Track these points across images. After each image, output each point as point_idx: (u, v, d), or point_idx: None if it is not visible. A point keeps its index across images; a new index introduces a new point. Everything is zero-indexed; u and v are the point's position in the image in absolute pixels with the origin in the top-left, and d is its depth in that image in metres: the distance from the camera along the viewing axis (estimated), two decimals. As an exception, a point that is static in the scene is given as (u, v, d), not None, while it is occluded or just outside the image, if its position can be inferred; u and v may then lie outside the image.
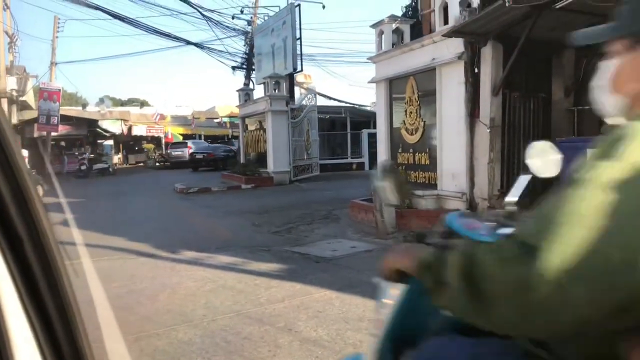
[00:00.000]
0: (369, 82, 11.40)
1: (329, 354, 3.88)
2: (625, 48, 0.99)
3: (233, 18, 23.52)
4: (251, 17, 24.93)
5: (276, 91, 18.64)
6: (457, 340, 1.20)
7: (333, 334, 4.26)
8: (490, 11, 7.47)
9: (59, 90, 27.05)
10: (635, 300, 0.75)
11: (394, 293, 1.45)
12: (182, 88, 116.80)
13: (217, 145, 32.24)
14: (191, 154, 28.79)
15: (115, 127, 32.68)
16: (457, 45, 8.47)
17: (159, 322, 4.65)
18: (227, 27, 23.07)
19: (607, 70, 1.03)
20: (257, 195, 15.93)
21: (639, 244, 0.74)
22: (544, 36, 8.12)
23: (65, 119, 27.73)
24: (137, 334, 4.32)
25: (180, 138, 37.01)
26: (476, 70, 8.22)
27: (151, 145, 37.92)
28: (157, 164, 34.03)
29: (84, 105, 39.91)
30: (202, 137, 39.10)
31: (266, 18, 22.32)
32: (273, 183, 18.09)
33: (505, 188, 8.36)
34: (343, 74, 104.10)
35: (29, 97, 29.31)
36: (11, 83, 26.42)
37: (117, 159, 33.78)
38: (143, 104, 49.78)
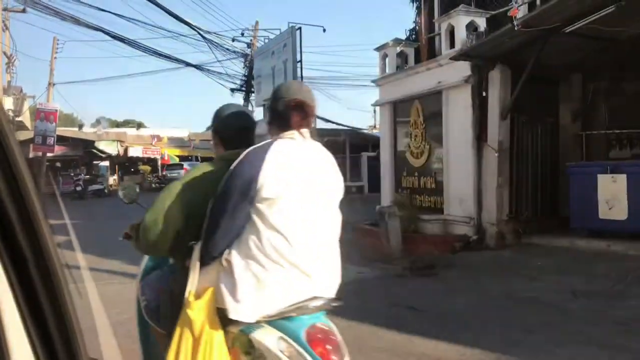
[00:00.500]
0: (372, 105, 11.36)
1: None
2: None
3: (233, 40, 23.59)
4: (251, 40, 25.02)
5: (276, 113, 18.55)
6: (164, 268, 2.48)
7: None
8: (499, 35, 7.44)
9: (56, 110, 26.95)
10: (180, 231, 1.97)
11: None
12: (178, 110, 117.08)
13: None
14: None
15: (112, 148, 32.52)
16: (464, 68, 8.42)
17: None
18: (227, 49, 23.10)
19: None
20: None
21: (177, 207, 1.96)
22: (552, 60, 8.10)
23: (61, 140, 27.55)
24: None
25: (177, 159, 36.88)
26: (484, 94, 8.15)
27: (147, 167, 37.72)
28: (153, 185, 33.79)
29: (80, 126, 39.75)
30: (200, 158, 38.98)
31: (266, 41, 22.39)
32: (272, 206, 17.86)
33: (515, 213, 8.24)
34: (341, 97, 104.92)
35: (25, 118, 29.19)
36: (8, 103, 26.34)
37: (112, 180, 33.48)
38: (140, 125, 49.70)
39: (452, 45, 8.79)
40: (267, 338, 1.78)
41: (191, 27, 20.45)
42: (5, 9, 26.37)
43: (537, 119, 8.61)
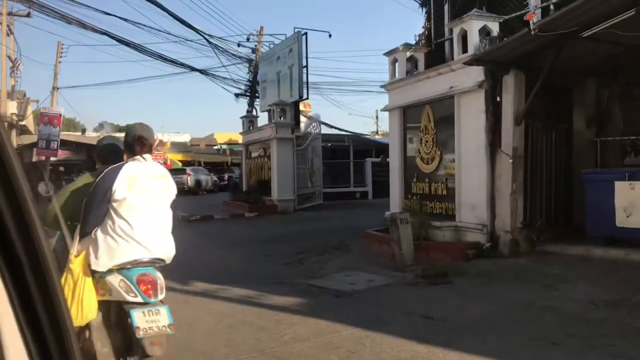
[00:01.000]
0: (381, 110, 11.26)
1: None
2: None
3: (239, 45, 23.55)
4: (255, 45, 24.96)
5: (282, 118, 18.48)
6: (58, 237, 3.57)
7: (372, 378, 3.92)
8: (514, 39, 7.33)
9: (60, 114, 26.80)
10: (69, 216, 3.31)
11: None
12: (180, 114, 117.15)
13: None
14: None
15: (115, 153, 32.40)
16: (477, 73, 8.31)
17: (180, 362, 4.30)
18: (233, 54, 23.03)
19: None
20: (262, 223, 15.59)
21: (64, 204, 3.33)
22: (566, 65, 7.99)
23: (64, 144, 27.49)
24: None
25: (180, 165, 36.80)
26: (498, 99, 8.03)
27: (150, 172, 37.55)
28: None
29: (84, 130, 39.71)
30: (202, 164, 38.91)
31: (272, 46, 22.33)
32: (277, 211, 17.76)
33: (529, 220, 8.10)
34: (343, 102, 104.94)
35: (29, 122, 29.11)
36: (11, 107, 26.28)
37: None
38: (142, 130, 49.55)
39: (464, 50, 8.68)
40: (113, 280, 3.09)
41: (197, 32, 20.39)
42: (10, 13, 26.37)
43: (551, 125, 8.49)
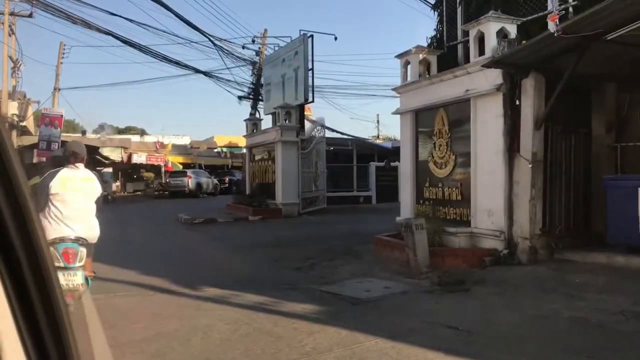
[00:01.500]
0: (392, 114, 11.03)
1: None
2: None
3: (243, 48, 23.38)
4: (259, 48, 24.80)
5: (287, 121, 18.28)
6: None
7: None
8: (537, 41, 7.15)
9: (61, 115, 26.67)
10: None
11: None
12: (179, 117, 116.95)
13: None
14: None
15: (116, 155, 32.18)
16: (495, 76, 8.12)
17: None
18: (238, 57, 22.85)
19: None
20: (267, 227, 15.36)
21: None
22: (586, 69, 7.81)
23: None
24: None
25: (180, 167, 36.56)
26: (517, 103, 7.83)
27: (151, 174, 37.37)
28: (156, 192, 33.42)
29: (84, 132, 39.48)
30: (203, 166, 38.67)
31: (276, 48, 22.15)
32: (281, 215, 17.53)
33: (548, 227, 7.90)
34: (345, 105, 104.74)
35: (29, 123, 28.87)
36: (12, 108, 26.04)
37: (115, 187, 33.08)
38: (143, 132, 49.47)
39: (481, 52, 8.49)
40: None
41: (202, 34, 20.21)
42: (12, 14, 26.17)
43: (570, 129, 8.30)
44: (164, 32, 48.04)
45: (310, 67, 18.46)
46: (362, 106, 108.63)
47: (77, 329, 0.84)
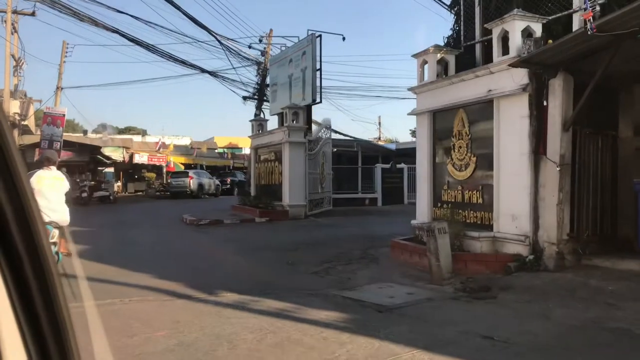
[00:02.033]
0: (408, 114, 10.77)
1: None
2: None
3: (250, 47, 23.11)
4: (264, 48, 24.55)
5: (294, 122, 18.01)
6: None
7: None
8: (567, 39, 6.89)
9: (64, 114, 26.33)
10: None
11: None
12: (180, 118, 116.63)
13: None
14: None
15: (117, 155, 31.86)
16: (521, 76, 7.86)
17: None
18: (244, 57, 22.58)
19: None
20: (275, 229, 15.10)
21: None
22: (614, 69, 7.55)
23: (67, 145, 26.87)
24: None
25: (182, 167, 36.28)
26: (545, 103, 7.58)
27: (152, 174, 37.09)
28: (157, 193, 33.13)
29: (85, 132, 39.19)
30: (204, 167, 38.42)
31: (283, 48, 21.89)
32: (288, 217, 17.26)
33: (575, 232, 7.64)
34: (347, 106, 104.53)
35: (30, 122, 28.56)
36: (14, 107, 25.74)
37: (116, 186, 32.77)
38: (144, 132, 49.16)
39: (505, 51, 8.24)
40: None
41: (209, 32, 19.95)
42: (14, 12, 25.89)
43: (598, 131, 8.05)
44: (171, 30, 47.72)
45: (318, 67, 18.22)
46: (366, 108, 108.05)
47: (78, 332, 0.82)
